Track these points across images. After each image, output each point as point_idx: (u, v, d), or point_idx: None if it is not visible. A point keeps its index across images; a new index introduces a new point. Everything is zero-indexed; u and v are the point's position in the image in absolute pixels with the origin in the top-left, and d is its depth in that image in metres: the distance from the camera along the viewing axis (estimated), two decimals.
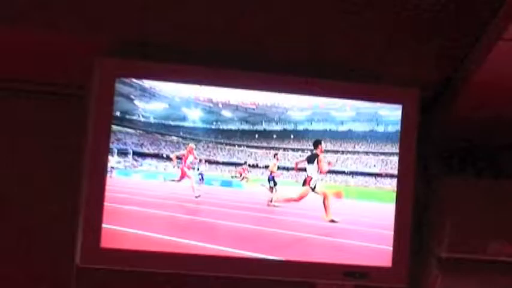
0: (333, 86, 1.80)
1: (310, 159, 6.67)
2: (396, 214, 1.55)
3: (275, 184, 8.41)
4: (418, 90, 1.51)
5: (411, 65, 1.46)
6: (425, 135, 1.62)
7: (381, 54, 1.40)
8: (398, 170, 1.80)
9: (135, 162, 2.37)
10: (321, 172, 6.27)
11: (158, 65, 1.37)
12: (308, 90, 1.87)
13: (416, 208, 1.51)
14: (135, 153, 2.04)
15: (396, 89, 1.61)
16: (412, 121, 1.65)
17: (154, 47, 1.32)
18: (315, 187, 6.23)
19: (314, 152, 6.77)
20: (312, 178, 6.56)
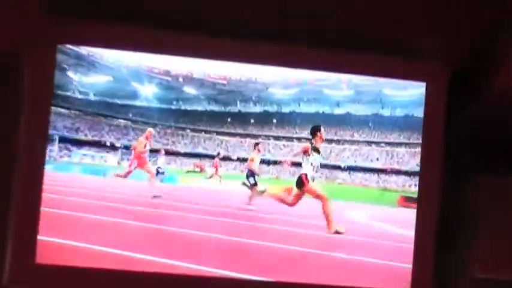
0: (337, 57, 1.75)
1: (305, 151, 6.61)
2: (418, 223, 1.59)
3: (255, 183, 8.46)
4: (446, 65, 1.56)
5: (438, 34, 1.51)
6: (452, 122, 1.63)
7: (401, 21, 1.42)
8: (421, 167, 1.79)
9: (66, 152, 2.24)
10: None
11: (104, 26, 1.33)
12: (303, 61, 1.78)
13: (441, 215, 1.51)
14: (66, 140, 1.95)
15: (419, 63, 1.59)
16: (439, 103, 1.67)
17: (96, 6, 1.29)
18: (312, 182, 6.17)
19: (312, 141, 6.88)
20: (307, 175, 6.71)
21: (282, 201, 8.94)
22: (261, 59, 1.73)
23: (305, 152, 5.63)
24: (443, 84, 1.60)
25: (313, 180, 5.61)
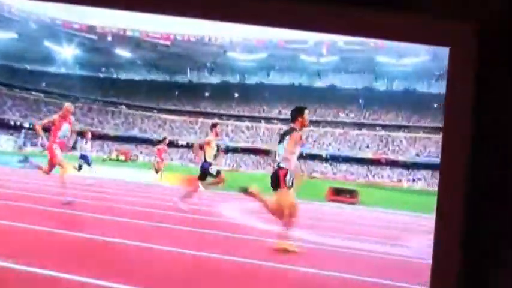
0: (326, 11, 1.72)
1: (282, 136, 6.98)
2: (437, 232, 1.51)
3: (214, 174, 8.82)
4: (476, 24, 1.53)
5: None
6: (485, 98, 1.65)
7: None
8: (442, 159, 1.81)
9: None
10: (283, 155, 6.42)
11: None
12: (278, 15, 1.73)
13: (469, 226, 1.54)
14: None
15: (440, 22, 1.58)
16: (465, 74, 1.61)
17: None
18: (291, 185, 6.53)
19: (291, 125, 7.07)
20: (288, 170, 6.84)
21: (264, 203, 9.06)
22: (215, 11, 1.70)
23: (296, 144, 5.65)
24: (471, 49, 1.60)
25: (292, 182, 5.58)
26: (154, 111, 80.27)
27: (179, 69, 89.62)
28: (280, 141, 5.59)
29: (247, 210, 10.01)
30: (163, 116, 79.27)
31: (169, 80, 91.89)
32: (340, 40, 67.72)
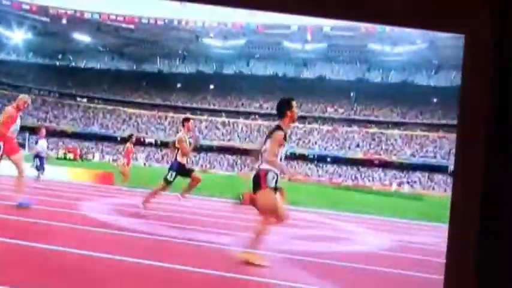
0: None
1: (267, 136, 7.07)
2: (449, 251, 1.58)
3: (187, 171, 8.82)
4: (492, 10, 1.58)
5: None
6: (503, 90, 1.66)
7: None
8: (457, 157, 1.77)
9: None
10: (264, 159, 6.48)
11: None
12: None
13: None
14: None
15: (453, 5, 1.62)
16: (483, 66, 1.69)
17: None
18: (275, 186, 6.64)
19: (277, 123, 7.12)
20: (268, 170, 6.91)
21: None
22: None
23: (280, 145, 5.69)
24: (489, 37, 1.62)
25: (275, 183, 5.62)
26: (118, 104, 79.95)
27: (147, 57, 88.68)
28: (265, 142, 5.55)
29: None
30: (128, 110, 78.94)
31: (135, 69, 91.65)
32: (327, 25, 68.01)
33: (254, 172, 5.62)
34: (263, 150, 5.61)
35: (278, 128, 5.50)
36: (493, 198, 1.66)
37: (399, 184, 60.62)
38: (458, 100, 1.78)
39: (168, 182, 9.29)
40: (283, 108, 5.62)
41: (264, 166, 5.42)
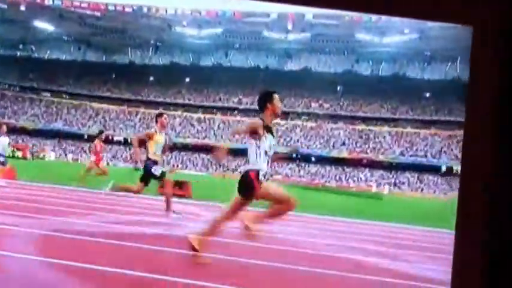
0: None
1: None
2: (455, 259, 1.68)
3: (158, 175, 10.14)
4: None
5: None
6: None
7: None
8: (463, 155, 1.79)
9: None
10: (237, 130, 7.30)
11: None
12: None
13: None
14: None
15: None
16: (491, 60, 1.77)
17: None
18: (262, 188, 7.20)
19: (260, 116, 8.14)
20: (258, 173, 7.69)
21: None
22: None
23: (253, 133, 5.98)
24: (498, 29, 1.72)
25: (266, 178, 5.98)
26: (85, 98, 79.72)
27: (117, 47, 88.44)
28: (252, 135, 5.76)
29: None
30: (95, 105, 79.16)
31: (105, 60, 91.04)
32: (309, 12, 68.18)
33: (240, 176, 5.84)
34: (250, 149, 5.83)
35: (259, 118, 5.77)
36: (502, 199, 1.66)
37: (380, 185, 61.01)
38: (466, 95, 1.78)
39: (157, 177, 9.32)
40: (264, 100, 5.86)
41: (251, 167, 5.63)
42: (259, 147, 5.49)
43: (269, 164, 5.62)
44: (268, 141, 5.78)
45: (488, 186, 1.68)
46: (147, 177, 9.27)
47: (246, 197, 5.52)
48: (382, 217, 15.30)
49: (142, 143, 9.52)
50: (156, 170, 9.18)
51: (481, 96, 1.75)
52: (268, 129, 5.69)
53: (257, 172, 5.40)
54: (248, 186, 5.42)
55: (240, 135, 6.40)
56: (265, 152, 5.54)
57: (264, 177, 5.49)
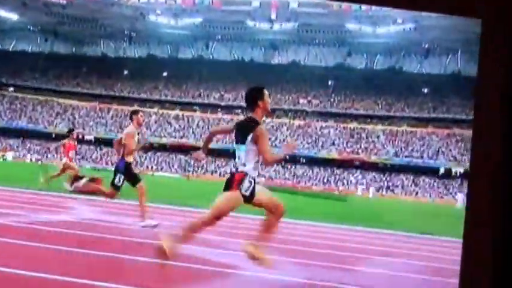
0: None
1: (243, 133, 8.49)
2: (463, 266, 1.76)
3: (134, 177, 10.53)
4: None
5: None
6: None
7: None
8: (472, 153, 1.83)
9: None
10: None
11: None
12: None
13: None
14: None
15: None
16: (503, 49, 1.83)
17: None
18: (251, 195, 7.80)
19: (250, 115, 8.62)
20: (246, 175, 8.09)
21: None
22: None
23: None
24: (508, 21, 1.75)
25: (252, 190, 6.11)
26: (53, 93, 79.45)
27: (87, 38, 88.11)
28: (242, 141, 5.75)
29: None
30: (63, 101, 79.00)
31: (74, 52, 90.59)
32: (294, 0, 68.34)
33: (229, 174, 6.02)
34: (240, 152, 5.95)
35: (253, 121, 5.86)
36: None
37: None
38: (474, 90, 1.77)
39: (116, 188, 9.16)
40: (254, 97, 5.94)
41: (242, 169, 5.76)
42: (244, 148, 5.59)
43: (257, 165, 5.67)
44: (250, 144, 5.80)
45: (498, 187, 1.67)
46: (124, 179, 9.24)
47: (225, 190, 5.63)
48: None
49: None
50: (119, 181, 9.15)
51: (490, 92, 1.75)
52: None
53: (244, 176, 5.54)
54: (227, 185, 5.59)
55: (223, 134, 6.36)
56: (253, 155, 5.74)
57: (251, 183, 5.58)
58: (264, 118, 6.11)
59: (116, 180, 9.19)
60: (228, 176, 5.64)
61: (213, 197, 5.76)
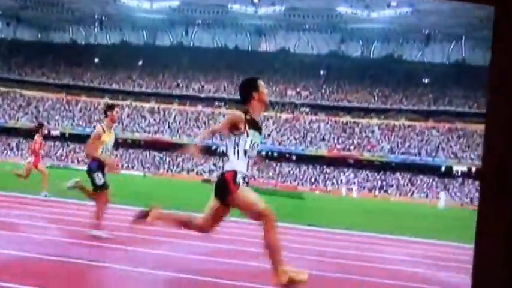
0: None
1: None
2: (476, 265, 1.75)
3: (101, 184, 9.71)
4: None
5: None
6: None
7: None
8: (485, 149, 1.82)
9: None
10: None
11: None
12: None
13: None
14: None
15: None
16: None
17: None
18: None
19: (246, 108, 7.99)
20: (235, 175, 7.63)
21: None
22: None
23: (234, 129, 5.90)
24: None
25: (246, 182, 5.94)
26: (15, 84, 78.85)
27: (55, 23, 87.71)
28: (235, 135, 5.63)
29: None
30: (26, 92, 78.52)
31: (40, 39, 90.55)
32: None
33: (217, 177, 5.78)
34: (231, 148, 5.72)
35: (245, 114, 5.65)
36: None
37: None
38: (488, 83, 1.81)
39: (99, 188, 8.82)
40: (248, 89, 5.77)
41: (228, 168, 5.55)
42: (237, 144, 5.41)
43: (249, 165, 5.48)
44: (250, 139, 5.70)
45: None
46: (103, 175, 8.94)
47: (222, 201, 5.47)
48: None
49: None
50: (100, 179, 8.78)
51: (505, 83, 1.75)
52: (254, 124, 5.74)
53: (234, 173, 5.33)
54: (223, 190, 5.38)
55: (216, 134, 6.26)
56: (245, 152, 5.62)
57: (244, 180, 5.42)
58: (264, 110, 5.95)
59: (96, 180, 8.78)
60: (219, 176, 5.62)
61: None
